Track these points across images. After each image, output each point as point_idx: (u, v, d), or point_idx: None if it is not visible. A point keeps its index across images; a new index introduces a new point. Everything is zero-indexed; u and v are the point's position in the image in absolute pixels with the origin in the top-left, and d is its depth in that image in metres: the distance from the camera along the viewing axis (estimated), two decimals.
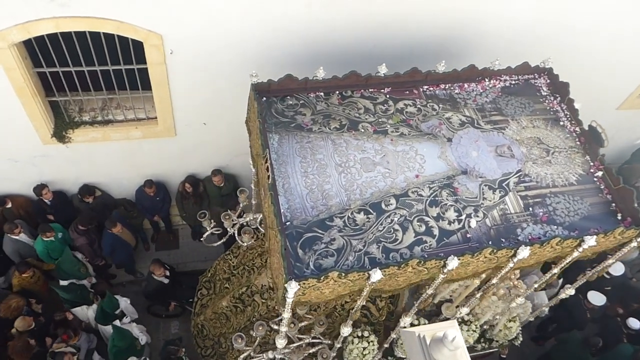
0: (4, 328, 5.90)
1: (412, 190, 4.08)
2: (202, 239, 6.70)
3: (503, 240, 3.99)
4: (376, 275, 3.43)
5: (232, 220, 5.76)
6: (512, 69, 4.96)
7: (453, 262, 3.58)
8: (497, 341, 6.39)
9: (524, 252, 3.74)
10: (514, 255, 3.82)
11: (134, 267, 7.84)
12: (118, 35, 5.05)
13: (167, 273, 6.83)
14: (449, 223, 3.98)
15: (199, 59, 5.47)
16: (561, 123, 4.80)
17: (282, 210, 3.78)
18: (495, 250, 3.72)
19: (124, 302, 6.31)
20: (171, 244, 8.42)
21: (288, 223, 3.75)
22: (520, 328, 6.14)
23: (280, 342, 4.49)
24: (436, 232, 3.92)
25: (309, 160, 4.11)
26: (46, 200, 6.84)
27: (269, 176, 3.77)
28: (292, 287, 3.30)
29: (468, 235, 3.95)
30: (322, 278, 3.36)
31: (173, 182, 7.60)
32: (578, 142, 4.69)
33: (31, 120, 5.88)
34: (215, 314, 6.53)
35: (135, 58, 5.46)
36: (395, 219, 3.91)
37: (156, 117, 6.29)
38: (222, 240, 6.01)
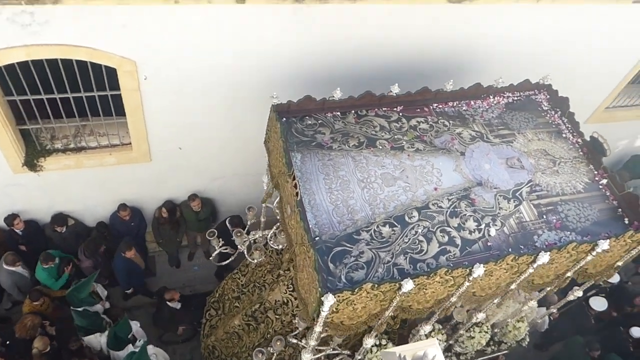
0: (22, 349, 5.77)
1: (433, 203, 4.25)
2: (210, 258, 6.75)
3: (522, 247, 4.17)
4: (408, 285, 3.55)
5: (243, 238, 5.83)
6: (515, 86, 5.23)
7: (479, 270, 3.74)
8: (505, 343, 6.53)
9: (543, 258, 3.92)
10: (534, 261, 3.99)
11: (147, 289, 7.78)
12: (91, 62, 5.03)
13: (178, 299, 6.82)
14: (470, 232, 4.15)
15: (174, 84, 5.50)
16: (564, 135, 5.06)
17: (310, 226, 3.89)
18: (517, 257, 3.89)
19: (135, 326, 6.26)
20: (147, 271, 8.10)
21: (317, 238, 3.85)
22: (528, 328, 6.29)
23: (307, 357, 4.54)
24: (459, 241, 4.08)
25: (332, 177, 4.25)
26: (17, 231, 6.64)
27: (297, 193, 3.89)
28: (329, 300, 3.39)
29: (489, 244, 4.12)
30: (356, 290, 3.47)
31: (149, 208, 7.50)
32: (581, 153, 4.94)
33: (1, 149, 5.74)
34: (226, 333, 6.52)
35: (109, 84, 5.42)
36: (419, 231, 4.06)
37: (130, 143, 6.24)
38: (231, 259, 6.06)
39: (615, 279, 7.43)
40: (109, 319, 6.30)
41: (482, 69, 5.98)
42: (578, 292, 5.43)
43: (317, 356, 5.02)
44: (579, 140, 5.01)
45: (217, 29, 5.02)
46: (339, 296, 3.43)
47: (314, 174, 4.24)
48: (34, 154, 6.02)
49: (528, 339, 6.64)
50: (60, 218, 6.83)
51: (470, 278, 3.83)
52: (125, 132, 6.19)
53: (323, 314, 3.52)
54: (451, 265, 3.86)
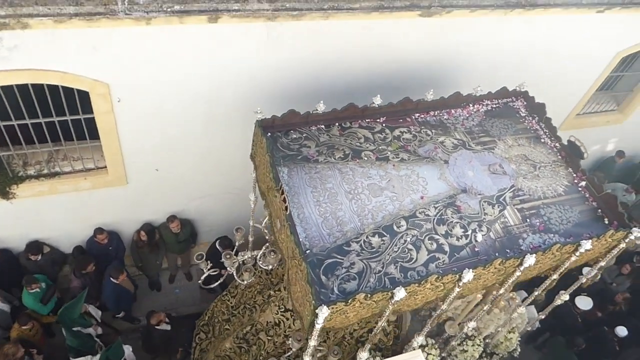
0: None
1: (420, 211, 4.30)
2: (199, 282, 6.65)
3: (508, 250, 4.24)
4: (400, 293, 3.57)
5: (233, 260, 5.78)
6: (493, 94, 5.37)
7: (468, 275, 3.78)
8: (497, 354, 6.56)
9: (530, 260, 3.99)
10: (521, 264, 4.06)
11: (132, 315, 7.63)
12: (62, 86, 4.97)
13: (167, 319, 6.69)
14: (457, 239, 4.21)
15: (149, 105, 5.46)
16: (542, 140, 5.20)
17: (300, 239, 3.89)
18: (504, 261, 3.95)
19: (127, 350, 6.12)
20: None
21: (308, 251, 3.86)
22: (519, 339, 6.35)
23: None
24: (447, 248, 4.13)
25: (320, 190, 4.27)
26: None
27: (286, 207, 3.90)
28: (323, 312, 3.39)
29: (476, 249, 4.18)
30: (349, 301, 3.48)
31: (127, 231, 7.38)
32: (560, 156, 5.08)
33: None
34: (218, 357, 6.41)
35: (82, 107, 5.36)
36: (408, 239, 4.10)
37: (106, 167, 6.17)
38: (220, 281, 5.99)
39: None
40: (102, 342, 6.14)
41: (461, 78, 6.15)
42: (564, 296, 5.51)
43: None
44: (557, 144, 5.15)
45: (191, 49, 5.03)
46: (332, 308, 3.44)
47: (302, 188, 4.26)
48: (5, 182, 5.89)
49: (519, 349, 6.69)
50: (35, 246, 6.66)
51: (460, 284, 3.87)
52: (100, 156, 6.10)
53: (317, 326, 3.51)
54: (441, 272, 3.90)
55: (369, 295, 3.53)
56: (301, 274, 3.65)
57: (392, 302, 3.65)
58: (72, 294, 6.62)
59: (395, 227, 4.15)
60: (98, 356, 5.89)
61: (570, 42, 6.64)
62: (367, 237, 4.04)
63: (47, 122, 5.42)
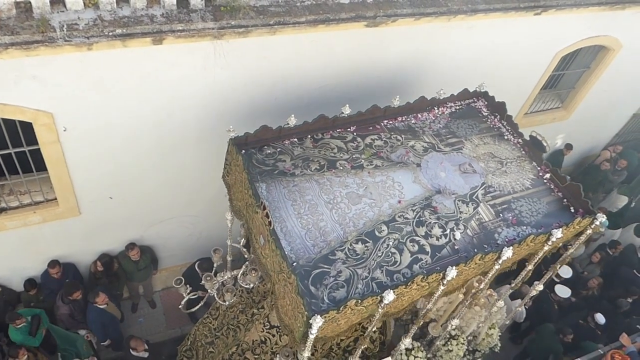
0: None
1: (399, 215, 4.40)
2: (180, 307, 6.52)
3: (486, 246, 4.39)
4: (389, 296, 3.64)
5: (213, 282, 5.71)
6: (455, 95, 5.58)
7: (452, 273, 3.90)
8: (479, 351, 6.72)
9: (507, 253, 4.15)
10: (499, 257, 4.22)
11: (122, 343, 7.36)
12: (3, 118, 4.82)
13: (146, 346, 6.51)
14: (437, 239, 4.33)
15: (97, 132, 5.31)
16: (505, 137, 5.43)
17: (286, 253, 3.90)
18: (483, 256, 4.10)
19: None
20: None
21: (295, 264, 3.87)
22: (500, 334, 6.53)
23: None
24: (428, 249, 4.24)
25: (300, 202, 4.31)
26: None
27: (269, 222, 3.91)
28: (317, 322, 3.42)
29: (456, 247, 4.31)
30: (341, 308, 3.52)
31: (84, 263, 7.10)
32: (523, 152, 5.32)
33: None
34: None
35: (25, 139, 5.19)
36: (391, 243, 4.18)
37: (56, 198, 5.92)
38: (200, 304, 5.90)
39: (568, 273, 7.89)
40: None
41: (423, 83, 6.35)
42: (539, 287, 5.72)
43: None
44: (520, 140, 5.39)
45: (137, 73, 4.94)
46: (325, 316, 3.46)
47: (282, 202, 4.28)
48: None
49: (500, 344, 6.87)
50: None
51: (445, 281, 3.98)
52: (49, 188, 5.87)
53: (311, 336, 3.53)
54: (425, 272, 3.99)
55: (360, 301, 3.58)
56: (290, 287, 3.66)
57: (382, 305, 3.71)
58: (60, 320, 6.43)
59: (377, 233, 4.22)
60: None
61: (512, 44, 6.91)
62: (350, 245, 4.09)
63: None
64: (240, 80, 5.48)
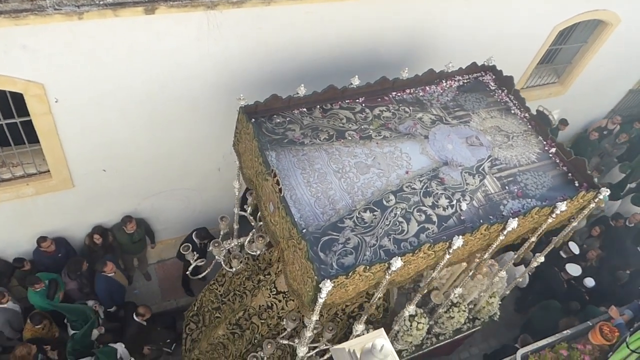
0: None
1: (406, 185, 4.47)
2: (187, 272, 6.66)
3: (491, 217, 4.47)
4: (397, 263, 3.74)
5: (221, 248, 5.83)
6: (463, 69, 5.58)
7: (458, 242, 3.99)
8: (479, 319, 6.90)
9: (513, 224, 4.24)
10: (504, 228, 4.30)
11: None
12: None
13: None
14: (444, 209, 4.41)
15: (90, 103, 5.24)
16: (512, 111, 5.46)
17: (295, 220, 3.98)
18: (489, 226, 4.19)
19: (120, 347, 6.08)
20: None
21: (304, 230, 3.96)
22: (499, 302, 6.69)
23: (302, 350, 4.63)
24: (435, 218, 4.32)
25: (309, 171, 4.37)
26: None
27: (280, 189, 3.98)
28: (327, 286, 3.52)
29: (462, 218, 4.39)
30: (350, 274, 3.62)
31: (78, 236, 7.07)
32: (530, 126, 5.35)
33: None
34: (211, 345, 6.46)
35: (17, 110, 5.12)
36: (398, 213, 4.27)
37: (49, 171, 5.89)
38: (208, 270, 6.03)
39: (577, 250, 8.01)
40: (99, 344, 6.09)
41: (418, 55, 6.29)
42: (540, 258, 5.84)
43: (310, 354, 5.12)
44: (526, 114, 5.42)
45: (129, 43, 4.85)
46: (334, 281, 3.56)
47: (291, 170, 4.35)
48: None
49: (499, 314, 7.05)
50: None
51: (450, 250, 4.08)
52: (41, 160, 5.83)
53: (320, 300, 3.64)
54: (432, 241, 4.08)
55: (368, 267, 3.68)
56: (300, 252, 3.75)
57: (389, 272, 3.82)
58: (69, 296, 6.53)
59: (384, 202, 4.30)
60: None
61: (510, 18, 6.79)
62: (359, 213, 4.18)
63: None
64: (234, 52, 5.39)
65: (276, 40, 5.48)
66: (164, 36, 4.92)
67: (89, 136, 5.63)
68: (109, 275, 6.59)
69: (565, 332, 6.44)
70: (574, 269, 7.59)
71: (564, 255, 7.84)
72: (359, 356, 3.76)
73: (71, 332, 6.18)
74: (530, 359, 6.15)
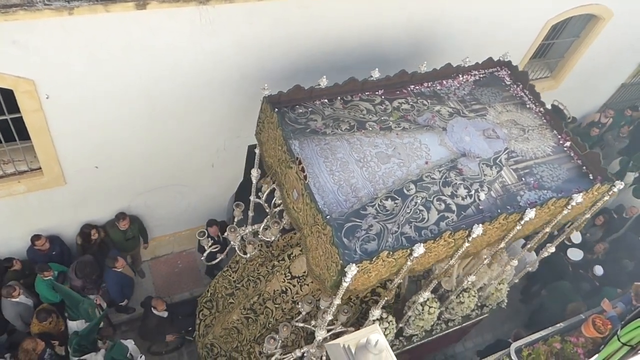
0: None
1: (426, 175, 4.58)
2: (202, 258, 6.78)
3: (509, 207, 4.59)
4: (419, 249, 3.86)
5: (237, 234, 5.94)
6: (480, 64, 5.67)
7: (478, 230, 4.10)
8: (487, 306, 7.03)
9: (530, 214, 4.35)
10: (521, 218, 4.42)
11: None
12: None
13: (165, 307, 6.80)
14: (462, 199, 4.52)
15: (81, 100, 5.18)
16: (527, 106, 5.56)
17: (319, 206, 4.09)
18: (507, 216, 4.30)
19: (130, 344, 6.16)
20: None
21: (328, 217, 4.07)
22: (508, 289, 6.82)
23: (321, 333, 4.75)
24: (454, 208, 4.44)
25: (331, 160, 4.48)
26: None
27: (305, 176, 4.09)
28: (352, 270, 3.63)
29: (480, 207, 4.51)
30: (374, 259, 3.74)
31: (71, 234, 7.01)
32: (545, 120, 5.46)
33: None
34: (225, 329, 6.59)
35: (7, 107, 5.09)
36: (418, 201, 4.38)
37: (40, 168, 5.82)
38: (222, 256, 6.15)
39: (578, 239, 8.15)
40: (102, 338, 6.15)
41: (411, 49, 6.32)
42: (551, 249, 5.96)
43: (327, 335, 5.24)
44: (541, 109, 5.52)
45: (121, 39, 4.80)
46: (359, 266, 3.68)
47: (314, 158, 4.45)
48: None
49: (507, 300, 7.17)
50: None
51: (470, 238, 4.19)
52: (33, 157, 5.77)
53: (345, 284, 3.75)
54: (452, 229, 4.20)
55: (391, 253, 3.79)
56: (325, 238, 3.86)
57: (411, 258, 3.93)
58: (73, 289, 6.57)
59: (405, 191, 4.41)
60: (102, 352, 5.91)
61: (503, 12, 6.78)
62: (381, 201, 4.29)
63: None
64: (228, 48, 5.35)
65: (269, 35, 5.41)
66: (157, 31, 4.85)
67: (81, 133, 5.57)
68: (119, 270, 6.66)
69: (558, 325, 6.49)
70: (575, 254, 7.75)
71: (567, 242, 7.97)
72: (353, 351, 3.68)
73: (71, 326, 6.19)
74: (524, 352, 6.22)
